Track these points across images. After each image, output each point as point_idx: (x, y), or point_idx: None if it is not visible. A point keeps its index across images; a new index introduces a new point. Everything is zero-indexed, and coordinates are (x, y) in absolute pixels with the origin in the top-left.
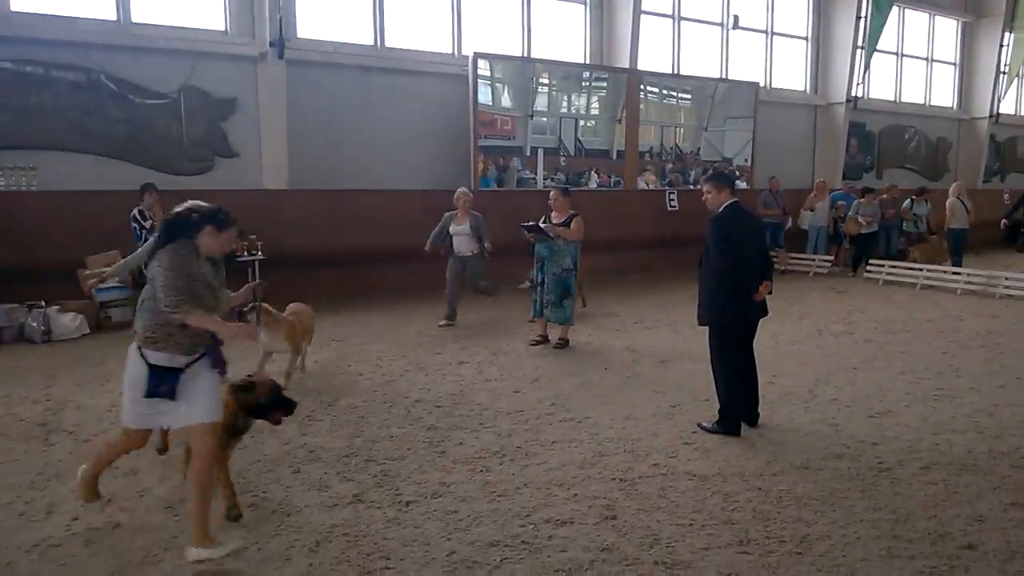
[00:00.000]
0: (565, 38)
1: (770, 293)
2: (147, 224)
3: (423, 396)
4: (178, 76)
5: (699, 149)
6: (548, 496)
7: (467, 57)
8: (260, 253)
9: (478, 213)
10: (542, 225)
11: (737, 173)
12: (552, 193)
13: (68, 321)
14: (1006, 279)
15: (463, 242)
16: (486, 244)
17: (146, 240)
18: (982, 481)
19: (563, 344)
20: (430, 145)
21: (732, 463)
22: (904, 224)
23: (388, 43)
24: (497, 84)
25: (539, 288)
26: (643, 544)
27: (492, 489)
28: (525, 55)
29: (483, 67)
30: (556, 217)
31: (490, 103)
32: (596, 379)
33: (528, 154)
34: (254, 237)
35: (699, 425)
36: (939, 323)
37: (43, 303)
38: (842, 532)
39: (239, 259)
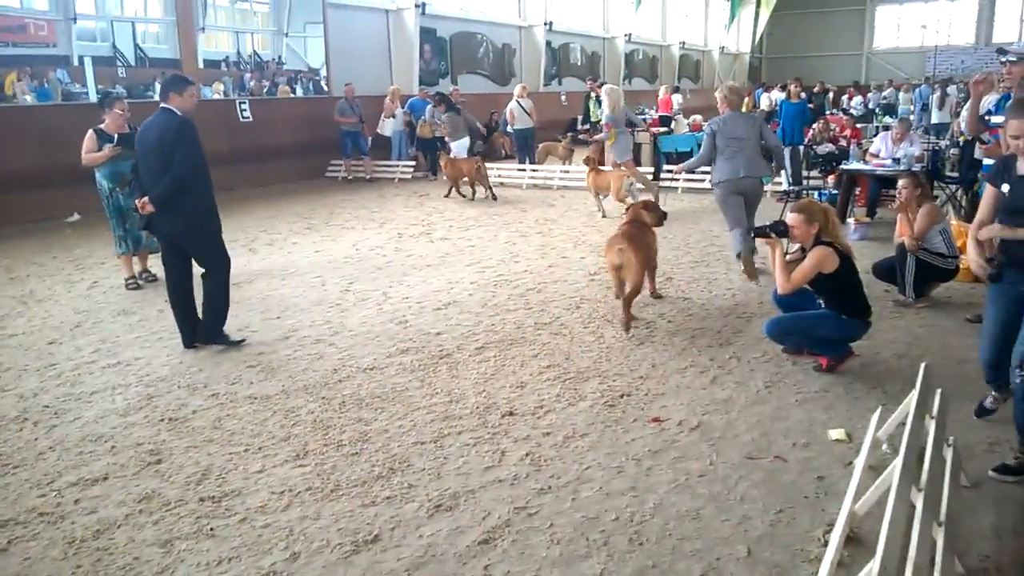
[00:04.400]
0: None
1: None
2: None
3: None
4: None
5: (280, 56)
6: (79, 456)
7: None
8: None
9: None
10: None
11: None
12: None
13: None
14: (561, 172)
15: None
16: None
17: None
18: (526, 351)
19: (154, 276)
20: None
21: (297, 378)
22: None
23: None
24: None
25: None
26: (189, 483)
27: (6, 462)
28: None
29: None
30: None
31: (18, 5)
32: (153, 314)
33: (76, 64)
34: None
35: None
36: (506, 216)
37: None
38: (399, 423)
39: None
